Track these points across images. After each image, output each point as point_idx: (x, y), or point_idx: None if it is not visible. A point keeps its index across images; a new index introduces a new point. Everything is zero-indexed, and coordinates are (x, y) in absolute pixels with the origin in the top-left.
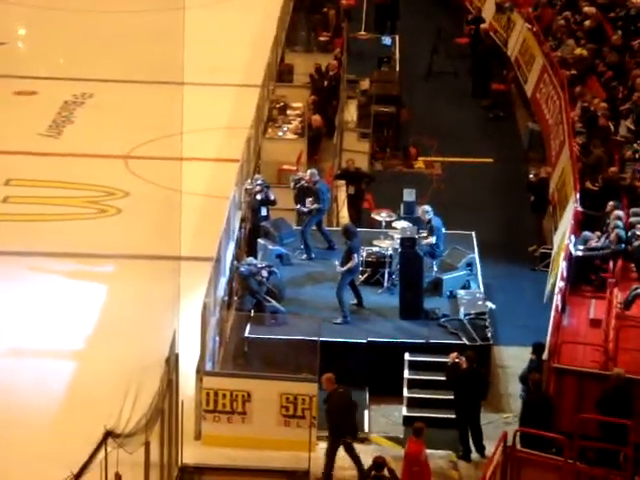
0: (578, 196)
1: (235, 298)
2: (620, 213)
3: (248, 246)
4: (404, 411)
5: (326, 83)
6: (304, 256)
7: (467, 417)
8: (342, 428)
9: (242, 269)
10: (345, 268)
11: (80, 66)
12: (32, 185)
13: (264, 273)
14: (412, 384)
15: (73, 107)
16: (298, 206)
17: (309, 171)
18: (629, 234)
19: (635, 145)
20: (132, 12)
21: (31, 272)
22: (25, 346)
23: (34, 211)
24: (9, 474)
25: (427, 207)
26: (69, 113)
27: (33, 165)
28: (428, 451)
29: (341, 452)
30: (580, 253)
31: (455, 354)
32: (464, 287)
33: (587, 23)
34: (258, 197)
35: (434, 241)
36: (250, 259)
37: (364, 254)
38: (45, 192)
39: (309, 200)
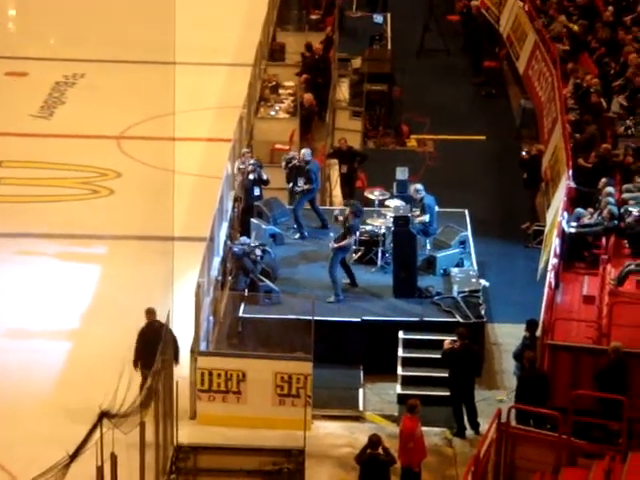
0: (571, 173)
1: (229, 278)
2: (612, 190)
3: (241, 226)
4: (398, 389)
5: (318, 65)
6: (297, 235)
7: (461, 394)
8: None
9: (235, 249)
10: (337, 245)
11: (71, 46)
12: (24, 166)
13: (258, 252)
14: (406, 362)
15: (64, 88)
16: (290, 185)
17: (302, 150)
18: (621, 210)
19: (627, 121)
20: None
21: (24, 253)
22: (19, 327)
23: (26, 192)
24: (4, 455)
25: (419, 186)
26: (60, 94)
27: (25, 146)
28: (423, 428)
29: (337, 430)
30: (573, 230)
31: (448, 341)
32: (457, 265)
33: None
34: (251, 177)
35: (427, 219)
36: (243, 239)
37: (357, 233)
38: (37, 173)
39: (301, 179)
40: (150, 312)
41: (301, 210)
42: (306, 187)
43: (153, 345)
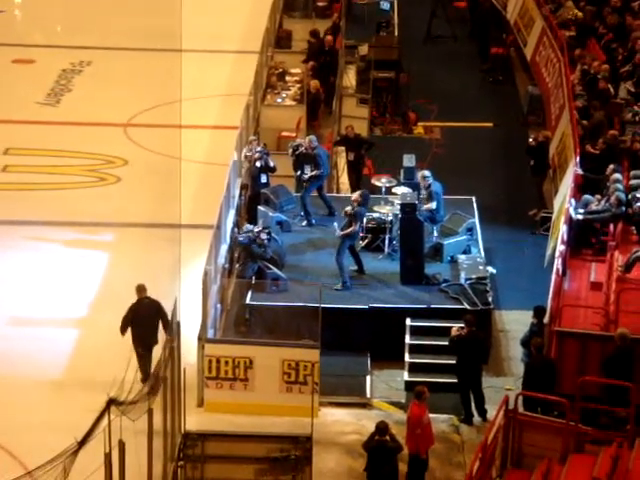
0: (578, 159)
1: (236, 265)
2: (620, 176)
3: (248, 213)
4: (406, 376)
5: (324, 52)
6: (304, 222)
7: (469, 381)
8: (143, 338)
9: (241, 238)
10: (343, 233)
11: (78, 34)
12: (31, 154)
13: (263, 236)
14: (413, 349)
15: (71, 75)
16: (298, 173)
17: (308, 137)
18: (629, 197)
19: (635, 107)
20: None
21: (31, 241)
22: (27, 315)
23: (33, 180)
24: (13, 442)
25: (426, 172)
26: (67, 81)
27: (32, 134)
28: (430, 415)
29: (345, 417)
30: (580, 217)
31: (455, 329)
32: (465, 252)
33: None
34: (258, 164)
35: (434, 206)
36: (246, 226)
37: (364, 220)
38: (44, 161)
39: (308, 167)
40: (140, 289)
41: (309, 197)
42: (313, 174)
43: (144, 322)
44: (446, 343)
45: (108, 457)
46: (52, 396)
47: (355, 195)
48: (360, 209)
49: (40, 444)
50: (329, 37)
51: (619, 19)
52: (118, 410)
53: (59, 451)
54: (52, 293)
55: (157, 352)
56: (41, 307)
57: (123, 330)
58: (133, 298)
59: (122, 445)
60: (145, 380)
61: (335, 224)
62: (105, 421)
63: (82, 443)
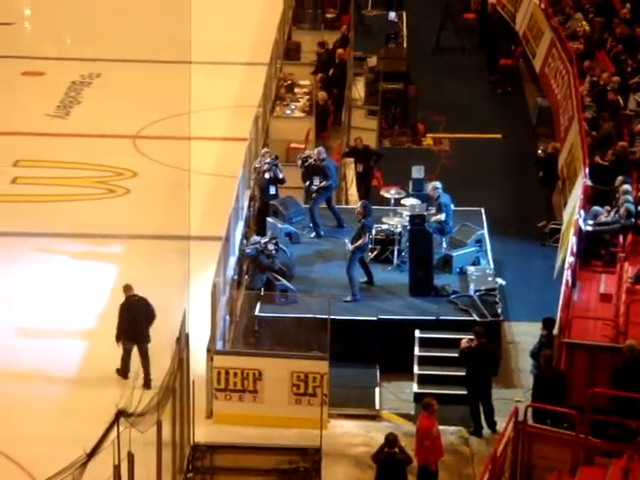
0: (587, 171)
1: (246, 277)
2: (628, 187)
3: (257, 225)
4: (415, 388)
5: (332, 71)
6: (313, 234)
7: (479, 393)
8: (135, 335)
9: (248, 250)
10: (354, 246)
11: (87, 46)
12: (40, 166)
13: (271, 247)
14: (422, 361)
15: (81, 87)
16: (307, 184)
17: (316, 149)
18: (638, 208)
19: None
20: None
21: (40, 253)
22: (36, 326)
23: (42, 192)
24: (22, 454)
25: (437, 183)
26: (77, 93)
27: (41, 146)
28: (439, 427)
29: (354, 429)
30: (590, 228)
31: (465, 340)
32: (474, 263)
33: None
34: (267, 175)
35: (443, 218)
36: (254, 238)
37: (373, 231)
38: (53, 173)
39: (317, 178)
40: (127, 288)
41: (317, 209)
42: (322, 185)
43: (136, 319)
44: (455, 355)
45: (117, 469)
46: (61, 407)
47: (358, 208)
48: (367, 220)
49: (49, 456)
50: (340, 50)
51: (629, 30)
52: (127, 422)
53: (68, 463)
54: (61, 305)
55: (164, 361)
56: (50, 318)
57: (120, 333)
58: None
59: (131, 457)
60: (124, 375)
61: (346, 240)
62: (114, 433)
63: (91, 455)
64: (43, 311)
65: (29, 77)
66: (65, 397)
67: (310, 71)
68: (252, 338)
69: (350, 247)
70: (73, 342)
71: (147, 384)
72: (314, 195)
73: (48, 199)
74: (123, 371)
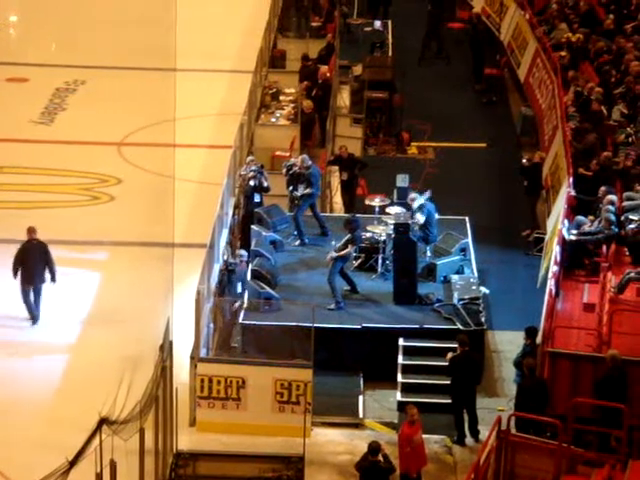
0: (571, 180)
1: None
2: (613, 198)
3: (241, 233)
4: (398, 396)
5: (315, 92)
6: (297, 242)
7: (463, 401)
8: (30, 276)
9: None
10: (337, 254)
11: (72, 53)
12: (25, 173)
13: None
14: (406, 369)
15: (65, 94)
16: (290, 188)
17: (300, 156)
18: (622, 218)
19: (628, 129)
20: None
21: None
22: (19, 333)
23: (27, 199)
24: (4, 461)
25: (416, 194)
26: (61, 100)
27: (25, 152)
28: (423, 436)
29: (337, 437)
30: (573, 237)
31: (450, 354)
32: (458, 272)
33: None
34: (252, 183)
35: (422, 221)
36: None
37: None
38: (38, 179)
39: (302, 186)
40: (30, 230)
41: (302, 216)
42: (306, 192)
43: (33, 262)
44: (439, 363)
45: (99, 477)
46: (43, 415)
47: (347, 222)
48: (357, 232)
49: (31, 464)
50: (323, 69)
51: (608, 43)
52: (110, 429)
53: (50, 470)
54: (46, 311)
55: (148, 369)
56: (34, 326)
57: (15, 271)
58: (126, 317)
59: (113, 465)
60: (32, 318)
61: (334, 243)
62: (97, 441)
63: (73, 463)
64: (26, 318)
65: (13, 83)
66: (48, 404)
67: (295, 79)
68: (236, 346)
69: (333, 254)
70: (56, 348)
71: (34, 319)
72: (297, 202)
73: (32, 206)
74: (29, 313)
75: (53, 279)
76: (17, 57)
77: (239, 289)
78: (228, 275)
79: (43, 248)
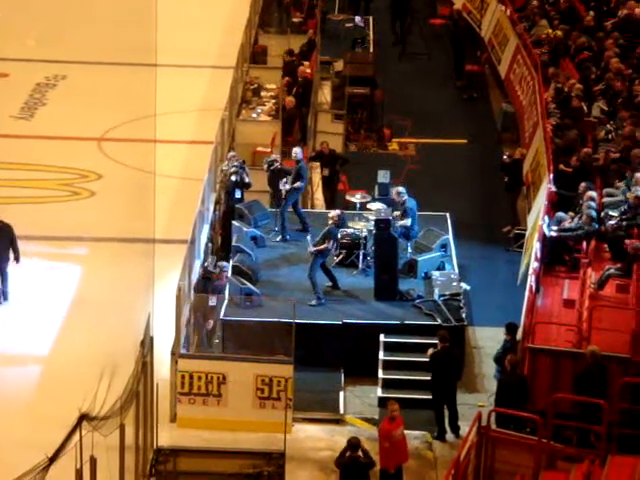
0: (552, 177)
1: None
2: (593, 194)
3: (222, 228)
4: (379, 392)
5: (295, 89)
6: (278, 238)
7: (443, 397)
8: None
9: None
10: (315, 249)
11: (52, 48)
12: (4, 167)
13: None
14: (387, 365)
15: (46, 89)
16: (282, 182)
17: (294, 149)
18: (602, 215)
19: (608, 125)
20: None
21: None
22: None
23: (6, 194)
24: None
25: (401, 188)
26: (42, 95)
27: (5, 147)
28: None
29: (318, 433)
30: (554, 234)
31: (430, 350)
32: (439, 268)
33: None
34: (233, 178)
35: (409, 223)
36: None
37: (339, 235)
38: (17, 175)
39: (283, 182)
40: None
41: (287, 212)
42: (295, 185)
43: None
44: (420, 359)
45: (79, 473)
46: (23, 412)
47: (334, 215)
48: (335, 229)
49: (11, 461)
50: (302, 67)
51: (588, 39)
52: (90, 426)
53: (29, 467)
54: (24, 307)
55: (128, 364)
56: (13, 321)
57: None
58: (107, 313)
59: (93, 461)
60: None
61: (308, 238)
62: (77, 437)
63: (53, 459)
64: (6, 313)
65: None
66: (27, 401)
67: (277, 75)
68: (217, 341)
69: (311, 248)
70: (36, 345)
71: (4, 296)
72: (285, 195)
73: (12, 201)
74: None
75: (17, 259)
76: None
77: (213, 302)
78: (204, 282)
79: (8, 230)
